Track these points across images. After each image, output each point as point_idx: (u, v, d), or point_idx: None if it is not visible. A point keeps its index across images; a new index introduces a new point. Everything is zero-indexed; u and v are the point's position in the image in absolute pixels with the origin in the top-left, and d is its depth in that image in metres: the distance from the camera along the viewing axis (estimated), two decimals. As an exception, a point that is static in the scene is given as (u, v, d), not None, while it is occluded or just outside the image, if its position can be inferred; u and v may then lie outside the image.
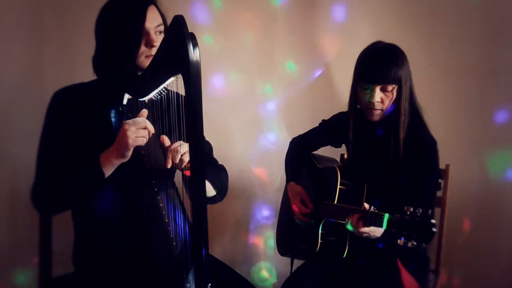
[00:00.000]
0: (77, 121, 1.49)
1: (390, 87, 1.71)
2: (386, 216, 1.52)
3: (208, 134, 1.58)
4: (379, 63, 1.70)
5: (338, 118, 2.00)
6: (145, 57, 1.48)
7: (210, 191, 1.61)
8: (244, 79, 2.61)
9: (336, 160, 2.20)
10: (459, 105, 2.42)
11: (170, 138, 1.48)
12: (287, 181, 2.08)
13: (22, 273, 2.24)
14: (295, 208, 1.96)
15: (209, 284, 1.29)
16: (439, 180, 1.79)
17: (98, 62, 1.52)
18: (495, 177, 2.38)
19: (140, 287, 1.49)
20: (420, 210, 1.45)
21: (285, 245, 2.14)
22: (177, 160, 1.44)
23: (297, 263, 2.01)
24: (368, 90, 1.73)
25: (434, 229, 1.43)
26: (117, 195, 1.48)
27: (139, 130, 1.39)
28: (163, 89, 1.41)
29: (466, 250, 2.43)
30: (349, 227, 1.63)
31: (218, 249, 2.60)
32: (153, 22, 1.47)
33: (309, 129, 2.11)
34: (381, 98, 1.73)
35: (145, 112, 1.43)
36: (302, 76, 2.63)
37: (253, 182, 2.67)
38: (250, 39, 2.58)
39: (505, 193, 2.37)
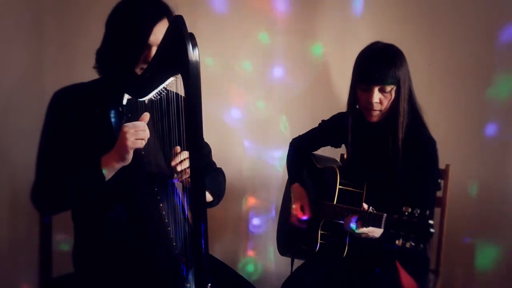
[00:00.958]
0: (77, 121, 1.49)
1: (388, 88, 1.71)
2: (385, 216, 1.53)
3: (208, 134, 1.59)
4: (377, 64, 1.70)
5: (337, 118, 2.00)
6: (140, 69, 1.47)
7: (207, 196, 1.60)
8: (244, 79, 2.61)
9: (336, 160, 2.20)
10: (459, 105, 2.42)
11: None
12: (291, 182, 2.08)
13: (22, 273, 2.24)
14: (293, 210, 1.97)
15: (209, 284, 1.29)
16: (439, 180, 1.79)
17: (102, 55, 1.51)
18: (495, 177, 2.38)
19: (140, 287, 1.49)
20: (418, 211, 1.46)
21: (285, 245, 2.14)
22: (179, 169, 1.43)
23: (297, 263, 2.01)
24: (367, 91, 1.73)
25: (431, 230, 1.43)
26: (117, 196, 1.48)
27: (138, 133, 1.38)
28: (163, 89, 1.40)
29: (466, 250, 2.43)
30: (352, 226, 1.62)
31: (218, 249, 2.60)
32: (159, 37, 1.39)
33: (309, 129, 2.11)
34: (380, 99, 1.73)
35: (147, 115, 1.43)
36: (302, 76, 2.63)
37: (253, 182, 2.67)
38: (248, 39, 2.58)
39: (505, 193, 2.37)
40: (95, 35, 1.53)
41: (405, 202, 1.51)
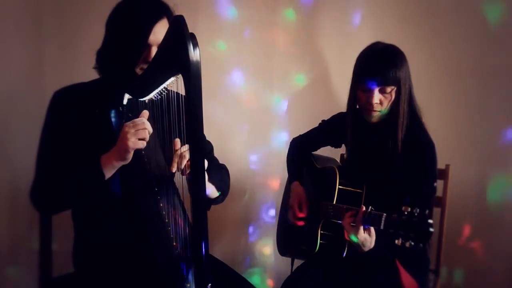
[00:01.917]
0: (77, 121, 1.49)
1: (389, 89, 1.71)
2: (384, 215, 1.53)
3: (209, 133, 1.59)
4: (378, 65, 1.70)
5: (337, 118, 2.00)
6: (140, 69, 1.47)
7: (214, 192, 1.60)
8: (245, 79, 2.61)
9: (336, 160, 2.20)
10: (459, 105, 2.42)
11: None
12: (291, 180, 2.08)
13: (22, 273, 2.24)
14: (291, 209, 1.97)
15: (209, 284, 1.29)
16: (435, 184, 1.78)
17: (102, 56, 1.52)
18: (495, 177, 2.39)
19: (140, 287, 1.49)
20: (418, 210, 1.46)
21: (285, 245, 2.14)
22: (182, 166, 1.43)
23: (297, 263, 2.01)
24: (367, 91, 1.73)
25: (431, 229, 1.43)
26: (117, 195, 1.48)
27: (138, 132, 1.38)
28: (163, 89, 1.40)
29: (466, 250, 2.43)
30: (353, 238, 1.62)
31: (218, 249, 2.60)
32: (159, 37, 1.42)
33: (309, 129, 2.11)
34: (380, 100, 1.73)
35: (146, 113, 1.42)
36: (303, 77, 2.63)
37: (253, 182, 2.67)
38: (251, 41, 2.58)
39: (505, 193, 2.37)
40: (95, 35, 1.53)
41: (404, 202, 1.51)
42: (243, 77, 2.61)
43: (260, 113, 2.64)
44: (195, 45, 1.20)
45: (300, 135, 2.15)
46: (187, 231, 1.55)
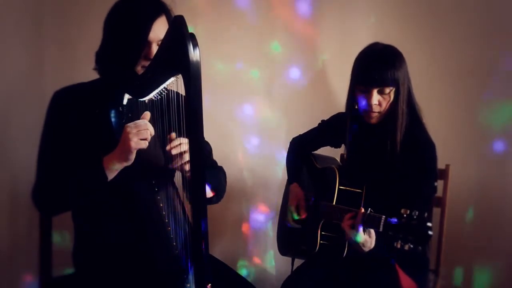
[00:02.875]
0: (77, 121, 1.49)
1: (387, 90, 1.71)
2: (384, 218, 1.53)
3: (208, 134, 1.59)
4: (376, 66, 1.69)
5: (337, 118, 2.00)
6: (141, 67, 1.47)
7: (207, 192, 1.60)
8: (245, 79, 2.61)
9: (336, 160, 2.20)
10: (459, 105, 2.42)
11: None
12: (290, 181, 2.08)
13: (22, 273, 2.24)
14: (288, 210, 1.97)
15: (209, 284, 1.29)
16: (435, 184, 1.78)
17: (101, 57, 1.52)
18: (495, 177, 2.38)
19: (140, 287, 1.49)
20: (417, 213, 1.46)
21: (285, 245, 2.14)
22: (177, 157, 1.43)
23: (297, 263, 2.01)
24: (366, 92, 1.73)
25: (430, 232, 1.43)
26: (117, 195, 1.48)
27: (140, 132, 1.38)
28: (163, 89, 1.40)
29: (466, 250, 2.43)
30: (358, 238, 1.62)
31: (218, 249, 2.60)
32: (159, 34, 1.44)
33: (308, 129, 2.11)
34: (379, 101, 1.72)
35: (147, 114, 1.43)
36: (302, 77, 2.63)
37: (253, 182, 2.67)
38: (249, 39, 2.58)
39: (505, 193, 2.37)
40: (95, 35, 1.53)
41: (404, 203, 1.51)
42: (243, 76, 2.61)
43: (260, 113, 2.64)
44: (195, 45, 1.20)
45: (299, 135, 2.15)
46: (187, 231, 1.55)
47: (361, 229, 1.60)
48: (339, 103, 1.97)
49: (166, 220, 1.53)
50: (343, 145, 2.03)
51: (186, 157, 1.43)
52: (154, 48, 1.45)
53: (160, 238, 1.51)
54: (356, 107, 1.82)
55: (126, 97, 1.48)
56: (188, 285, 1.47)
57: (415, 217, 1.45)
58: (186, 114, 1.25)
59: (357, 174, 1.84)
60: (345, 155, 2.01)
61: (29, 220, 1.94)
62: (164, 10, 1.49)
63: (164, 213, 1.54)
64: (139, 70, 1.47)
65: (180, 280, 1.48)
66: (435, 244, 2.05)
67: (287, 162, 2.15)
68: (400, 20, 2.44)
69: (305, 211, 1.95)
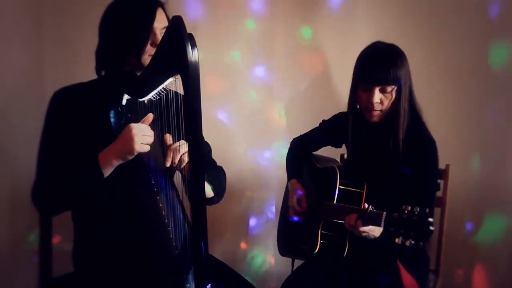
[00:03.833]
0: (77, 121, 1.49)
1: (389, 88, 1.71)
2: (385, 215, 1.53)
3: (208, 134, 1.59)
4: (378, 64, 1.70)
5: (338, 118, 2.00)
6: (149, 55, 1.48)
7: (208, 192, 1.61)
8: (245, 79, 2.61)
9: (336, 160, 2.20)
10: (459, 105, 2.42)
11: None
12: (289, 179, 2.08)
13: (22, 273, 2.24)
14: (290, 204, 1.97)
15: (209, 284, 1.30)
16: (438, 181, 1.79)
17: (101, 57, 1.53)
18: (495, 177, 2.38)
19: (140, 287, 1.49)
20: (418, 209, 1.46)
21: (285, 245, 2.14)
22: (177, 160, 1.44)
23: (298, 263, 2.01)
24: (368, 91, 1.73)
25: (431, 228, 1.43)
26: (117, 196, 1.48)
27: (145, 137, 1.40)
28: (162, 90, 1.41)
29: (466, 250, 2.43)
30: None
31: (218, 249, 2.60)
32: (161, 23, 1.48)
33: (309, 129, 2.11)
34: (381, 99, 1.73)
35: (150, 116, 1.44)
36: (302, 76, 2.63)
37: (253, 182, 2.67)
38: (249, 39, 2.58)
39: (505, 193, 2.37)
40: (95, 35, 1.53)
41: (405, 202, 1.51)
42: (244, 76, 2.61)
43: (260, 113, 2.64)
44: (194, 45, 1.20)
45: (300, 135, 2.15)
46: (187, 231, 1.55)
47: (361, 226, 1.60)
48: (340, 103, 1.97)
49: (166, 220, 1.53)
50: (343, 145, 2.04)
51: (186, 158, 1.44)
52: (159, 36, 1.47)
53: (160, 238, 1.52)
54: (358, 106, 1.83)
55: (125, 97, 1.48)
56: (188, 285, 1.48)
57: (416, 212, 1.45)
58: (185, 115, 1.25)
59: (358, 173, 1.85)
60: (345, 155, 2.01)
61: (29, 220, 1.94)
62: (161, 4, 1.53)
63: (164, 213, 1.54)
64: (146, 59, 1.47)
65: (180, 280, 1.48)
66: (435, 244, 2.06)
67: (287, 162, 2.15)
68: (400, 20, 2.44)
69: (308, 208, 1.94)
